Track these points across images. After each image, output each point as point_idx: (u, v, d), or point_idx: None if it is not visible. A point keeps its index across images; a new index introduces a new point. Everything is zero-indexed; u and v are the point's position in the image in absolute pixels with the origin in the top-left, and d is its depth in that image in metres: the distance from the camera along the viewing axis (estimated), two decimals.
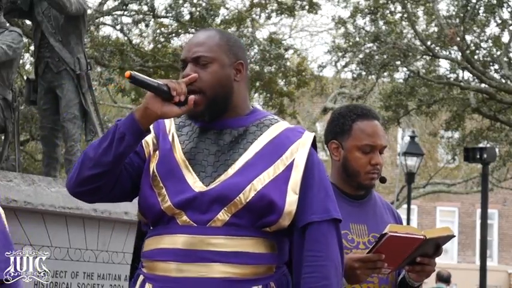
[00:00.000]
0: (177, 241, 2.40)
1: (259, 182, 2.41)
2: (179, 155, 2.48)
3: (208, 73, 2.45)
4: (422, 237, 2.72)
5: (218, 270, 2.37)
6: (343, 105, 3.36)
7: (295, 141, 2.49)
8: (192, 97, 2.40)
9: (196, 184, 2.43)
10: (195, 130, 2.52)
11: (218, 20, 16.63)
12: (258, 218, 2.42)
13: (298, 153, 2.47)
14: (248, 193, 2.39)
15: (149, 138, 2.52)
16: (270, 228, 2.44)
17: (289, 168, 2.45)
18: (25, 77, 8.22)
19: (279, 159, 2.45)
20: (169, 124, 2.55)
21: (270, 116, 2.56)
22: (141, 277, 2.48)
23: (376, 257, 2.74)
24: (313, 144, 2.54)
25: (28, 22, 11.07)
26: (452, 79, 16.43)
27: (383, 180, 2.97)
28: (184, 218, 2.41)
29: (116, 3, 16.33)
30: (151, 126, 2.47)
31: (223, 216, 2.40)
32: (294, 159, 2.46)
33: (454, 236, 2.78)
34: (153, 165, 2.48)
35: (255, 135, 2.49)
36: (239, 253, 2.40)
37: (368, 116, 2.95)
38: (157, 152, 2.50)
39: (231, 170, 2.42)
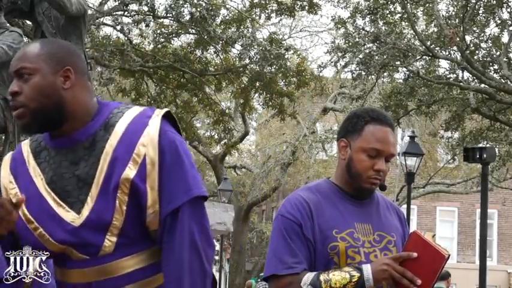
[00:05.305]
0: (73, 276, 2.36)
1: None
2: (43, 187, 2.38)
3: (28, 85, 2.35)
4: (446, 254, 2.70)
5: None
6: (363, 107, 3.34)
7: (142, 133, 2.36)
8: (19, 111, 2.34)
9: (68, 216, 2.34)
10: (51, 153, 2.41)
11: (218, 21, 16.66)
12: (142, 228, 2.35)
13: (148, 147, 2.34)
14: (120, 209, 2.31)
15: (6, 183, 2.45)
16: (154, 233, 2.37)
17: (143, 166, 2.33)
18: None
19: (130, 159, 2.33)
20: (27, 155, 2.45)
21: (116, 109, 2.43)
22: None
23: (405, 254, 2.75)
24: (170, 120, 2.44)
25: (29, 22, 11.10)
26: (452, 79, 16.44)
27: (383, 187, 2.97)
28: (75, 252, 2.34)
29: (116, 3, 16.36)
30: (6, 169, 2.44)
31: (109, 241, 2.33)
32: (145, 155, 2.34)
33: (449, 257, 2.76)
34: (21, 208, 2.34)
35: (104, 141, 2.37)
36: (139, 270, 2.35)
37: (382, 122, 2.94)
38: (18, 193, 2.39)
39: (94, 190, 2.32)
